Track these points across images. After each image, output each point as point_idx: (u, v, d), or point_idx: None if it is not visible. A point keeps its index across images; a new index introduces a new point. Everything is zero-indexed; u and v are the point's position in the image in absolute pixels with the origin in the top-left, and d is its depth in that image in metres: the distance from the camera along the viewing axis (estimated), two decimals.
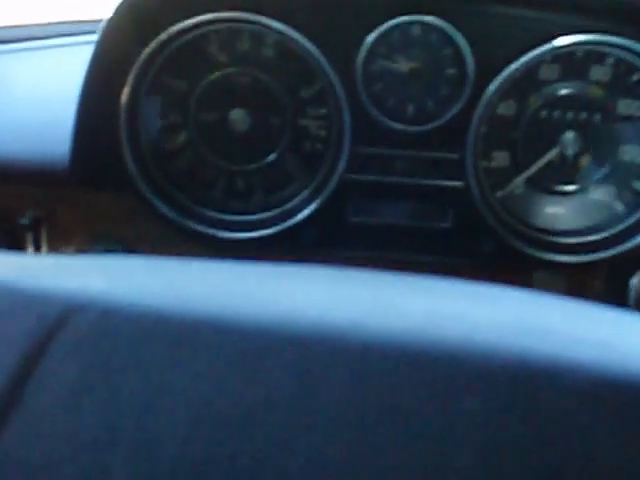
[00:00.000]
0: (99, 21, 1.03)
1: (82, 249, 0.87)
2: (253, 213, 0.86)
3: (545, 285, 0.92)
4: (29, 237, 0.87)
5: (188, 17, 0.78)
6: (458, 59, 0.79)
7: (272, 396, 0.30)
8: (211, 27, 0.80)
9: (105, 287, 0.33)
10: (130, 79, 0.80)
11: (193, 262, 0.39)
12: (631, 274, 0.88)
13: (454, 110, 0.80)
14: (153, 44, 0.79)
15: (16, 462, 0.29)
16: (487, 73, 0.79)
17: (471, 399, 0.30)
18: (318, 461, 0.29)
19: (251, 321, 0.31)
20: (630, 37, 0.77)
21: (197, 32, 0.80)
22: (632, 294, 0.88)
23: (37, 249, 0.87)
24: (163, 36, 0.79)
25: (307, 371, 0.30)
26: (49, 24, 1.11)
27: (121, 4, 0.76)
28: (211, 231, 0.85)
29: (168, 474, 0.29)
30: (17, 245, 0.88)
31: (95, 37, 0.84)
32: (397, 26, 0.79)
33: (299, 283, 0.38)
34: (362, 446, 0.29)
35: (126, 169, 0.82)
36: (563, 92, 0.82)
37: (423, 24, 0.79)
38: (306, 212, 0.84)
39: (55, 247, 0.88)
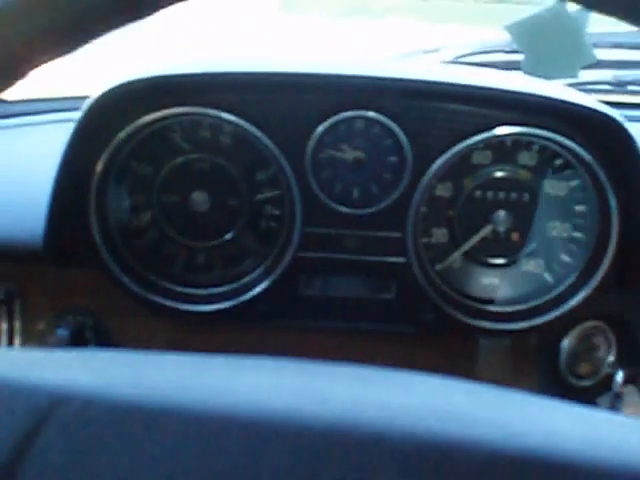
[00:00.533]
0: (73, 98, 1.10)
1: (53, 322, 0.92)
2: (212, 287, 0.92)
3: (489, 351, 0.99)
4: (3, 310, 0.92)
5: (154, 111, 0.85)
6: (398, 149, 0.87)
7: (222, 472, 0.36)
8: (175, 119, 0.87)
9: (85, 381, 0.38)
10: (101, 164, 0.86)
11: (160, 356, 0.44)
12: (562, 338, 0.96)
13: (395, 194, 0.88)
14: (123, 133, 0.85)
15: None
16: (424, 160, 0.86)
17: (389, 475, 0.36)
18: None
19: (204, 409, 0.38)
20: (552, 130, 0.85)
21: (162, 123, 0.87)
22: (562, 356, 0.96)
23: (10, 322, 0.92)
24: (132, 127, 0.85)
25: (251, 451, 0.36)
26: (22, 101, 1.18)
27: (97, 99, 0.82)
28: (173, 304, 0.90)
29: None
30: None
31: (68, 115, 0.91)
32: (343, 120, 0.86)
33: (245, 374, 0.44)
34: None
35: (95, 246, 0.87)
36: (495, 175, 0.90)
37: (366, 118, 0.87)
38: (261, 286, 0.90)
39: (27, 320, 0.94)
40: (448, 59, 1.19)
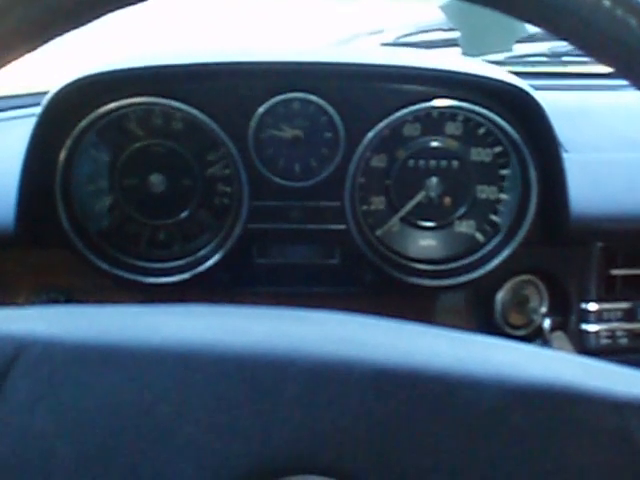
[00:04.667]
0: (35, 94, 1.18)
1: (29, 300, 1.01)
2: (173, 260, 1.00)
3: (432, 305, 1.08)
4: None
5: (110, 101, 0.93)
6: (332, 125, 0.95)
7: (157, 398, 0.43)
8: (129, 109, 0.95)
9: (45, 328, 0.45)
10: (64, 152, 0.93)
11: (111, 307, 0.50)
12: (496, 292, 1.05)
13: (332, 166, 0.96)
14: (83, 123, 0.93)
15: None
16: (356, 135, 0.95)
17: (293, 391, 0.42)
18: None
19: (141, 346, 0.44)
20: (472, 102, 0.94)
21: (118, 113, 0.94)
22: (497, 308, 1.05)
23: None
24: (91, 116, 0.93)
25: (180, 379, 0.43)
26: None
27: (57, 92, 0.90)
28: (137, 278, 0.99)
29: (95, 452, 0.42)
30: None
31: (30, 111, 0.99)
32: (281, 102, 0.95)
33: (178, 317, 0.51)
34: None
35: (62, 228, 0.95)
36: (425, 145, 0.98)
37: (302, 99, 0.95)
38: (216, 258, 0.98)
39: (5, 297, 1.02)
40: (390, 40, 1.27)
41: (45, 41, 0.42)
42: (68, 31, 0.42)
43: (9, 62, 0.43)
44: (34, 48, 0.42)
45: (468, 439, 0.41)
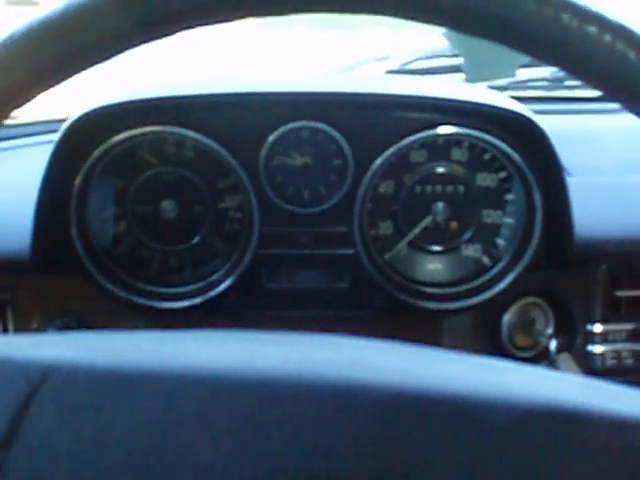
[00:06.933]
0: (50, 122, 1.20)
1: (42, 325, 1.03)
2: (184, 285, 1.02)
3: (440, 327, 1.10)
4: None
5: (125, 131, 0.95)
6: (340, 153, 0.97)
7: (181, 422, 0.45)
8: (143, 138, 0.97)
9: (70, 355, 0.47)
10: (79, 179, 0.95)
11: (130, 334, 0.52)
12: (503, 314, 1.07)
13: (341, 193, 0.98)
14: (97, 152, 0.95)
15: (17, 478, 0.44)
16: (364, 162, 0.97)
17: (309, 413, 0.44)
18: None
19: (164, 372, 0.46)
20: (476, 129, 0.96)
21: (132, 141, 0.97)
22: (504, 330, 1.07)
23: (4, 327, 1.02)
24: (105, 145, 0.95)
25: (200, 404, 0.45)
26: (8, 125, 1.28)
27: (73, 121, 0.92)
28: (150, 302, 1.00)
29: (118, 475, 0.43)
30: None
31: (46, 138, 1.01)
32: (291, 130, 0.97)
33: (197, 344, 0.53)
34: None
35: (77, 254, 0.97)
36: (432, 171, 1.00)
37: (311, 128, 0.97)
38: (227, 282, 1.00)
39: (20, 323, 1.04)
40: (395, 67, 1.29)
41: (74, 74, 0.43)
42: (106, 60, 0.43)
43: (43, 92, 0.44)
44: (65, 79, 0.43)
45: (478, 459, 0.42)
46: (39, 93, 0.43)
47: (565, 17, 0.40)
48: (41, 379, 0.44)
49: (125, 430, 0.43)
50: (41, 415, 0.43)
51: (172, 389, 0.44)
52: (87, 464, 0.43)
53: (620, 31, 0.41)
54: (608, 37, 0.40)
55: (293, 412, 0.43)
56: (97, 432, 0.43)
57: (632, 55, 0.41)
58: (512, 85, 1.32)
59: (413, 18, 0.42)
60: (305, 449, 0.42)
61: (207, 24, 0.43)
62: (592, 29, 0.40)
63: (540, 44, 0.42)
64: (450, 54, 1.31)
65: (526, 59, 1.30)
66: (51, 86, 0.43)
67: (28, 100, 0.44)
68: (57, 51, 0.42)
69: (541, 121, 0.95)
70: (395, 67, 1.28)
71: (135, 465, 0.43)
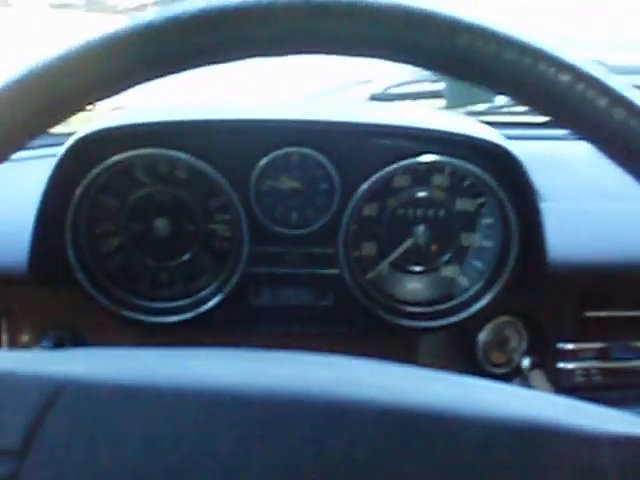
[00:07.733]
0: (51, 135, 1.23)
1: (35, 337, 1.06)
2: (174, 301, 1.06)
3: (419, 345, 1.15)
4: None
5: (120, 152, 0.99)
6: (328, 178, 1.02)
7: (188, 437, 0.47)
8: (138, 159, 1.01)
9: (82, 371, 0.50)
10: (75, 197, 0.99)
11: (141, 350, 0.55)
12: (478, 332, 1.12)
13: (327, 216, 1.03)
14: (94, 171, 0.98)
15: None
16: (350, 187, 1.01)
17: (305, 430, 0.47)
18: None
19: (175, 386, 0.49)
20: (456, 157, 1.01)
21: (127, 162, 1.01)
22: (479, 348, 1.12)
23: None
24: (102, 165, 0.98)
25: (207, 419, 0.48)
26: None
27: (74, 142, 0.96)
28: (140, 316, 1.04)
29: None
30: None
31: (46, 151, 1.04)
32: (281, 155, 1.01)
33: (202, 360, 0.57)
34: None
35: (71, 268, 1.01)
36: (414, 195, 1.05)
37: (300, 153, 1.02)
38: (216, 299, 1.04)
39: (13, 335, 1.07)
40: (379, 91, 1.34)
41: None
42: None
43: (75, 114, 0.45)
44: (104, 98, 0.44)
45: (454, 473, 0.46)
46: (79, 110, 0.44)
47: (542, 66, 0.45)
48: (55, 394, 0.47)
49: (135, 445, 0.46)
50: (54, 428, 0.47)
51: (177, 404, 0.48)
52: (98, 475, 0.46)
53: (591, 80, 0.45)
54: (580, 85, 0.45)
55: (291, 426, 0.47)
56: (109, 447, 0.47)
57: (602, 102, 0.45)
58: (490, 110, 1.37)
59: (402, 61, 0.47)
60: (303, 459, 0.45)
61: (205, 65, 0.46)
62: (566, 78, 0.45)
63: (521, 91, 0.47)
64: (432, 79, 1.36)
65: None
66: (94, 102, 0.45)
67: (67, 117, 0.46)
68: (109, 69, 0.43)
69: (518, 147, 1.00)
70: (378, 91, 1.33)
71: (143, 475, 0.46)
